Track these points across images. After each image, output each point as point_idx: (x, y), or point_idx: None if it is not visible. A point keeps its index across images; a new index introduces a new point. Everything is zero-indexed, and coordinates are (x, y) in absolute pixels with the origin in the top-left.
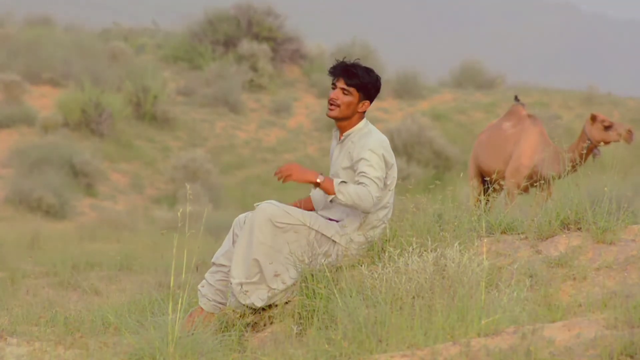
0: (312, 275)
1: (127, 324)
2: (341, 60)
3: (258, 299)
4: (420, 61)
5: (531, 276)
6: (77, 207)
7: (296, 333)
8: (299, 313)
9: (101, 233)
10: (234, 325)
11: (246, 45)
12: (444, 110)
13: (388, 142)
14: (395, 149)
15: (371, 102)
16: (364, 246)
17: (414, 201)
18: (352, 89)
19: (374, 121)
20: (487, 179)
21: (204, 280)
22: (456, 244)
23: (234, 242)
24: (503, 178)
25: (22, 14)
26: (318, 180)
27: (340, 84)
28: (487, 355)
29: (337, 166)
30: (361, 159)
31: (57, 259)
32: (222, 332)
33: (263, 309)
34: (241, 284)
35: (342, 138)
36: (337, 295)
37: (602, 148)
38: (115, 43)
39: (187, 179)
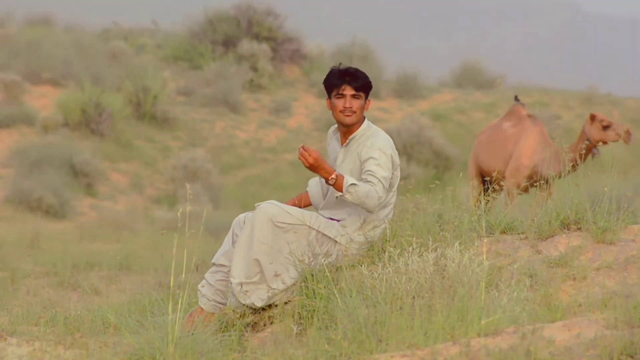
0: (312, 275)
1: (127, 324)
2: (337, 67)
3: (258, 298)
4: (420, 61)
5: (531, 276)
6: (77, 207)
7: (296, 333)
8: (299, 313)
9: (101, 233)
10: (234, 325)
11: (246, 45)
12: (444, 110)
13: (392, 141)
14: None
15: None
16: (364, 246)
17: (414, 201)
18: (360, 93)
19: (374, 121)
20: (487, 179)
21: (203, 280)
22: (456, 244)
23: (233, 242)
24: (503, 178)
25: (22, 14)
26: (330, 182)
27: (349, 90)
28: (487, 355)
29: (344, 171)
30: (370, 157)
31: (57, 259)
32: (222, 332)
33: (263, 309)
34: (241, 284)
35: (347, 142)
36: (337, 295)
37: (602, 148)
38: (115, 43)
39: (187, 179)
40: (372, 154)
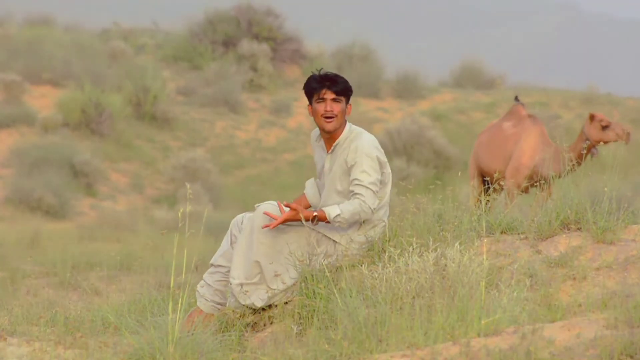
0: (312, 275)
1: (127, 324)
2: (316, 72)
3: (258, 299)
4: (420, 61)
5: (531, 276)
6: (77, 207)
7: (296, 333)
8: (299, 313)
9: (101, 233)
10: (233, 325)
11: (246, 45)
12: (444, 110)
13: (377, 140)
14: (395, 149)
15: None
16: (364, 246)
17: (414, 201)
18: (341, 97)
19: (374, 121)
20: (488, 179)
21: (202, 281)
22: (456, 244)
23: (232, 242)
24: (503, 178)
25: (22, 14)
26: (315, 222)
27: (329, 94)
28: (487, 355)
29: (333, 177)
30: (355, 163)
31: (57, 259)
32: (222, 332)
33: (263, 309)
34: (241, 285)
35: (332, 149)
36: (337, 295)
37: (601, 148)
38: (115, 43)
39: (187, 179)
40: (357, 159)
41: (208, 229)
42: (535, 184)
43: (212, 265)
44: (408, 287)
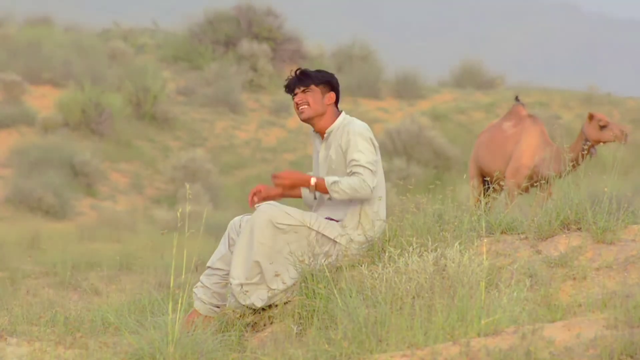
0: (312, 275)
1: (127, 324)
2: (289, 76)
3: (258, 299)
4: (420, 61)
5: (531, 276)
6: (77, 207)
7: (296, 333)
8: (299, 313)
9: (101, 233)
10: (233, 325)
11: (246, 45)
12: (444, 110)
13: (370, 128)
14: (395, 149)
15: (337, 94)
16: (364, 246)
17: (414, 201)
18: (310, 87)
19: (373, 121)
20: (488, 179)
21: (199, 283)
22: (456, 244)
23: (229, 245)
24: (503, 178)
25: (22, 14)
26: (312, 189)
27: (297, 89)
28: (487, 355)
29: (329, 165)
30: (350, 145)
31: (57, 259)
32: (222, 332)
33: (263, 309)
34: (241, 285)
35: (326, 137)
36: (337, 295)
37: (601, 148)
38: (115, 43)
39: (187, 179)
40: (351, 141)
41: (208, 229)
42: (535, 184)
43: (209, 267)
44: (408, 287)
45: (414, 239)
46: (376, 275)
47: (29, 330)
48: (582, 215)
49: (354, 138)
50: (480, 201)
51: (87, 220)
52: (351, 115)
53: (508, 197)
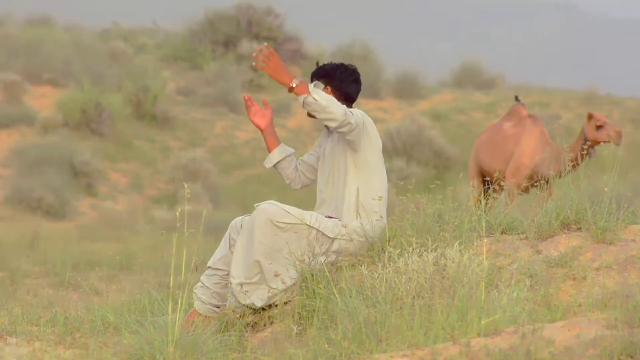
0: (312, 275)
1: (127, 324)
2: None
3: (258, 299)
4: (420, 61)
5: (531, 276)
6: (77, 207)
7: (296, 333)
8: (299, 313)
9: (101, 233)
10: (234, 325)
11: (246, 45)
12: (444, 110)
13: (369, 118)
14: (395, 149)
15: (337, 89)
16: (364, 246)
17: (414, 201)
18: (314, 81)
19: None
20: (488, 179)
21: (199, 283)
22: (456, 244)
23: (230, 246)
24: (503, 178)
25: (22, 14)
26: (292, 85)
27: None
28: (487, 355)
29: (332, 159)
30: None
31: (57, 259)
32: (222, 332)
33: (263, 309)
34: (241, 284)
35: (331, 130)
36: (337, 295)
37: (600, 148)
38: (115, 43)
39: (187, 179)
40: None
41: (208, 229)
42: (535, 184)
43: (209, 267)
44: (408, 287)
45: (414, 239)
46: (376, 275)
47: (29, 330)
48: (582, 215)
49: None
50: (480, 201)
51: (87, 220)
52: None
53: (508, 197)
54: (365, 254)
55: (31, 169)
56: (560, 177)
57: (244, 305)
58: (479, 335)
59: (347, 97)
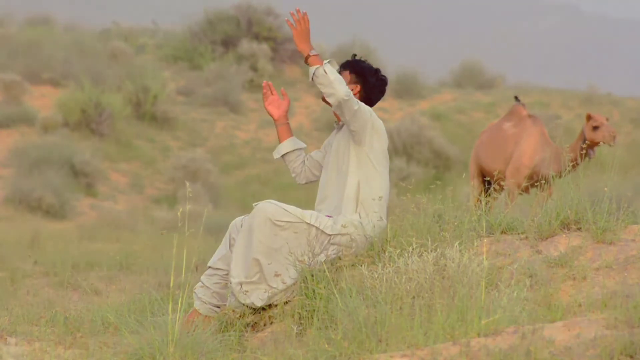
0: (312, 275)
1: (127, 324)
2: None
3: (258, 298)
4: (420, 61)
5: (531, 276)
6: (77, 207)
7: (296, 333)
8: (299, 313)
9: (101, 233)
10: (234, 325)
11: (246, 45)
12: (444, 110)
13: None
14: (395, 149)
15: (365, 91)
16: (364, 245)
17: (414, 201)
18: (344, 73)
19: None
20: (488, 178)
21: (199, 283)
22: (456, 244)
23: (230, 245)
24: (504, 178)
25: (22, 14)
26: (310, 54)
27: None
28: (487, 355)
29: (339, 150)
30: None
31: (57, 259)
32: (222, 332)
33: (263, 308)
34: (241, 284)
35: (341, 123)
36: (337, 295)
37: (600, 149)
38: (115, 43)
39: (187, 179)
40: None
41: (208, 229)
42: (535, 184)
43: (209, 267)
44: (408, 287)
45: (414, 239)
46: (376, 275)
47: (29, 330)
48: (582, 215)
49: None
50: (480, 201)
51: (87, 220)
52: None
53: (508, 197)
54: (365, 254)
55: (31, 169)
56: (560, 177)
57: (244, 304)
58: (479, 335)
59: (369, 101)
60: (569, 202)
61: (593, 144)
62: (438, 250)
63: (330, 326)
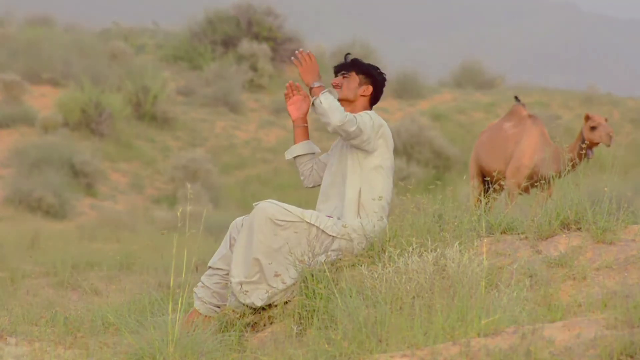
0: (312, 275)
1: (127, 324)
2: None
3: (258, 298)
4: (420, 61)
5: (531, 276)
6: (77, 207)
7: (296, 333)
8: (299, 313)
9: (101, 233)
10: (234, 325)
11: (246, 45)
12: (444, 110)
13: (386, 124)
14: (395, 149)
15: (375, 90)
16: (364, 245)
17: (414, 201)
18: (350, 73)
19: None
20: (488, 179)
21: (199, 283)
22: (456, 244)
23: (231, 245)
24: (504, 178)
25: (22, 14)
26: (313, 85)
27: (341, 74)
28: (487, 355)
29: (343, 153)
30: None
31: (57, 259)
32: (222, 332)
33: (263, 308)
34: (241, 284)
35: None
36: (337, 295)
37: (598, 149)
38: (115, 43)
39: (187, 179)
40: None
41: (208, 229)
42: (535, 184)
43: (210, 267)
44: (408, 287)
45: (414, 239)
46: (376, 275)
47: (29, 330)
48: (582, 215)
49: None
50: (480, 201)
51: (87, 220)
52: None
53: (508, 197)
54: (365, 254)
55: (31, 169)
56: (560, 177)
57: (244, 304)
58: (479, 335)
59: (375, 100)
60: (569, 202)
61: (592, 144)
62: (438, 250)
63: (330, 326)
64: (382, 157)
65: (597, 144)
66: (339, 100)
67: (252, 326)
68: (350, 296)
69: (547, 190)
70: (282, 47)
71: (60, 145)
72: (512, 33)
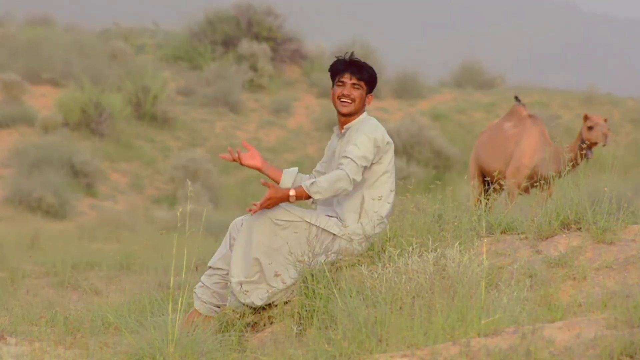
0: (312, 275)
1: (127, 324)
2: (341, 56)
3: (258, 298)
4: (420, 61)
5: (531, 276)
6: (77, 207)
7: (296, 333)
8: (299, 313)
9: (101, 233)
10: (234, 325)
11: (246, 45)
12: (444, 110)
13: (384, 128)
14: (395, 149)
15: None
16: (364, 245)
17: (414, 201)
18: (361, 83)
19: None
20: (488, 179)
21: (199, 282)
22: (456, 244)
23: (230, 245)
24: (504, 178)
25: (22, 14)
26: (291, 194)
27: (349, 79)
28: (487, 355)
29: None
30: (351, 139)
31: (57, 259)
32: (222, 332)
33: (263, 308)
34: (241, 283)
35: (343, 131)
36: (337, 295)
37: (598, 149)
38: (115, 43)
39: (187, 179)
40: (356, 137)
41: (208, 229)
42: (535, 184)
43: (210, 267)
44: (408, 287)
45: (414, 239)
46: (376, 275)
47: (29, 330)
48: (582, 215)
49: (358, 135)
50: (480, 201)
51: (87, 220)
52: None
53: (508, 197)
54: (365, 254)
55: (31, 169)
56: (560, 177)
57: (243, 304)
58: (479, 335)
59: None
60: (569, 202)
61: (591, 144)
62: (438, 250)
63: (330, 326)
64: (383, 165)
65: (596, 143)
66: (346, 114)
67: (252, 326)
68: (350, 296)
69: (547, 190)
70: (282, 47)
71: (60, 145)
72: (512, 33)
